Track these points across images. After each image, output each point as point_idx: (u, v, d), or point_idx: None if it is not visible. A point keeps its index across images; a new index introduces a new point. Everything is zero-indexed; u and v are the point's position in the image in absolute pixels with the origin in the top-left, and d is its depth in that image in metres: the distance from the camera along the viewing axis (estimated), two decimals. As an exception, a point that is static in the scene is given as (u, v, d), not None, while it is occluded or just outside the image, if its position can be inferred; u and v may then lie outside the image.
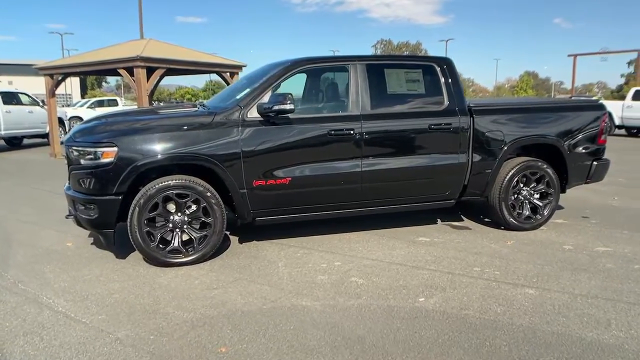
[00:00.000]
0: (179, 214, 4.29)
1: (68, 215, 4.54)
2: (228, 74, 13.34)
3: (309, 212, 4.70)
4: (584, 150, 5.40)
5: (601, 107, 5.55)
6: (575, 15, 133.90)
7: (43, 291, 3.81)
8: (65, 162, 4.55)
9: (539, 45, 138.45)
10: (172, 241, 4.29)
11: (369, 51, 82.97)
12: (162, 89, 67.73)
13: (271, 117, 4.39)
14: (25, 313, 3.42)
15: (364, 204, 4.83)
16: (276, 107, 4.24)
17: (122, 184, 4.09)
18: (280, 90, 4.55)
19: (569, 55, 28.17)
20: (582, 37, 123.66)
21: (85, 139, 4.24)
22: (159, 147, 4.15)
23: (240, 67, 13.46)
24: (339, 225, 5.39)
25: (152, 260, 4.26)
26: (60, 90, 15.28)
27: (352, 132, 4.59)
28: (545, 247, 4.80)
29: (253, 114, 4.41)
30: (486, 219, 5.82)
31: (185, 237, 4.35)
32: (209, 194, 4.27)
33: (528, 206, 5.31)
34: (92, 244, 5.02)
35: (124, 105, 27.41)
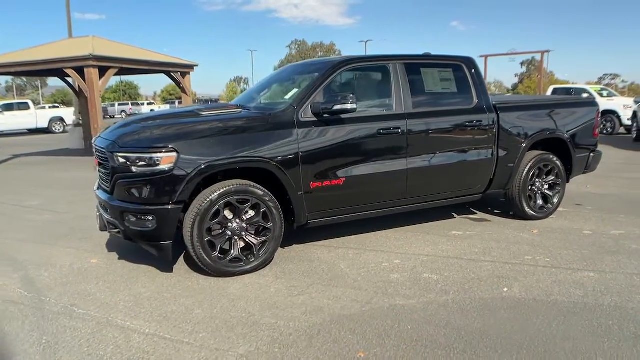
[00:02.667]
0: (237, 220, 4.08)
1: (110, 229, 4.13)
2: (179, 73, 12.79)
3: (359, 212, 4.68)
4: (583, 143, 5.88)
5: (595, 104, 6.07)
6: (469, 19, 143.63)
7: (110, 314, 3.45)
8: (100, 168, 4.15)
9: (441, 47, 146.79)
10: (231, 250, 4.07)
11: (284, 51, 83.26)
12: (67, 90, 63.32)
13: (325, 117, 4.32)
14: (113, 339, 3.09)
15: (408, 201, 4.89)
16: (337, 107, 4.18)
17: (184, 191, 3.81)
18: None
19: (481, 56, 29.97)
20: (477, 39, 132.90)
21: (137, 144, 3.89)
22: (222, 151, 3.92)
23: (192, 67, 12.97)
24: (366, 224, 5.38)
25: (214, 271, 4.01)
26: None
27: (399, 130, 4.63)
28: (568, 233, 5.17)
29: (307, 114, 4.30)
30: (496, 210, 6.15)
31: (241, 244, 4.15)
32: (268, 198, 4.11)
33: (540, 196, 5.69)
34: (119, 259, 4.62)
35: (36, 108, 25.11)
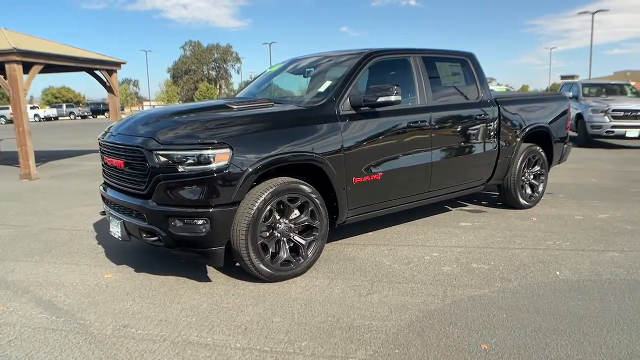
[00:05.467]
0: (285, 220, 3.81)
1: (145, 237, 3.62)
2: (106, 71, 11.74)
3: (391, 207, 4.60)
4: (560, 135, 6.33)
5: (566, 98, 6.57)
6: (359, 26, 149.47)
7: (178, 331, 3.03)
8: (123, 168, 3.65)
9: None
10: (280, 252, 3.79)
11: (177, 52, 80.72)
12: None
13: (363, 110, 4.19)
14: (208, 358, 2.71)
15: (430, 194, 4.91)
16: (381, 99, 4.06)
17: (240, 191, 3.47)
18: None
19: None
20: (368, 44, 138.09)
21: (183, 140, 3.45)
22: (275, 146, 3.63)
23: (119, 64, 11.96)
24: (370, 221, 5.18)
25: (266, 276, 3.69)
26: None
27: (425, 123, 4.64)
28: (563, 219, 5.52)
29: (346, 106, 4.14)
30: (483, 202, 6.42)
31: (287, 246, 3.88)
32: (315, 195, 3.89)
33: (528, 186, 6.03)
34: (137, 271, 4.10)
35: None
